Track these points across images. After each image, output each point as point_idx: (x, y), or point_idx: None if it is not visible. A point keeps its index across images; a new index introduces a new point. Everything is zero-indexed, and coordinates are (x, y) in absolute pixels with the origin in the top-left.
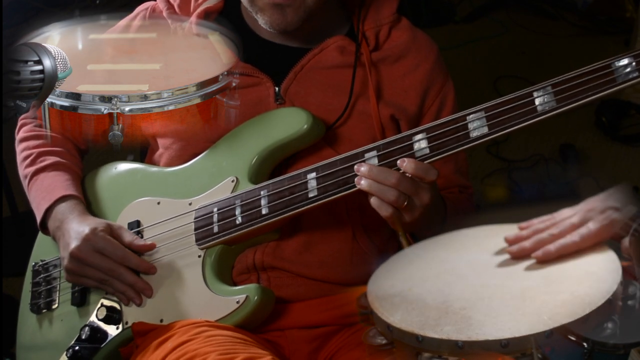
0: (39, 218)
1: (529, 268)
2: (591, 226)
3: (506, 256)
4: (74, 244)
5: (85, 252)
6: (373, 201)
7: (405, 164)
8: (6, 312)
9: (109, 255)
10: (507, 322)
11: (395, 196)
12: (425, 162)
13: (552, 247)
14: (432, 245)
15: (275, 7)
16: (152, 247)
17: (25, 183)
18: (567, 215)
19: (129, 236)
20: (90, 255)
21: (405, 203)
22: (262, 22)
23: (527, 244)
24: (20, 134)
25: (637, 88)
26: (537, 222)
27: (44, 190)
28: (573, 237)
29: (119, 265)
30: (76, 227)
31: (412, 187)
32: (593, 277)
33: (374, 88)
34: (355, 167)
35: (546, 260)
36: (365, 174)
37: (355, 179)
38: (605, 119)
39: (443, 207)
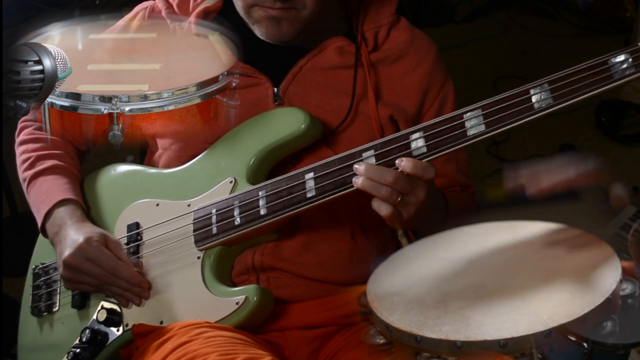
0: (39, 222)
1: (528, 267)
2: (589, 165)
3: (505, 256)
4: (67, 252)
5: (78, 260)
6: (374, 203)
7: (404, 163)
8: (6, 313)
9: (101, 265)
10: (506, 322)
11: (388, 192)
12: (423, 160)
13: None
14: (432, 244)
15: (271, 19)
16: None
17: (24, 186)
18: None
19: (123, 256)
20: (82, 263)
21: (399, 199)
22: (258, 33)
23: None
24: (20, 137)
25: (637, 88)
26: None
27: (42, 194)
28: (569, 172)
29: (110, 274)
30: (72, 235)
31: (408, 185)
32: (592, 276)
33: (373, 89)
34: (354, 166)
35: (539, 195)
36: (362, 173)
37: (353, 178)
38: (605, 119)
39: (443, 204)
